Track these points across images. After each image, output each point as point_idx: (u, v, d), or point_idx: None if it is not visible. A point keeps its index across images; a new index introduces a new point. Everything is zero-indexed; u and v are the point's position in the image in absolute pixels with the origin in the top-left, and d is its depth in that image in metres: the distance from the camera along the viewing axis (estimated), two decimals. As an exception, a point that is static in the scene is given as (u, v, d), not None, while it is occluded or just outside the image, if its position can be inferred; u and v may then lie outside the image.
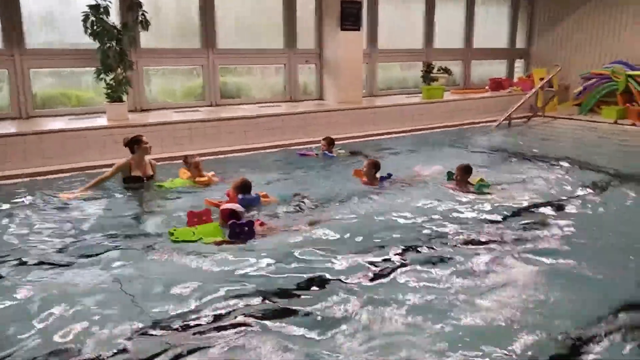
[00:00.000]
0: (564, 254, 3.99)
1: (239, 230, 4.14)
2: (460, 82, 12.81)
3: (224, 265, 3.71)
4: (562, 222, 4.70)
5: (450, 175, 6.01)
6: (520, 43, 13.88)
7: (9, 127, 6.99)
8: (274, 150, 7.95)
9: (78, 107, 8.21)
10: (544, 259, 3.89)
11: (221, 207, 4.49)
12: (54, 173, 6.42)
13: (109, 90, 7.51)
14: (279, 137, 8.38)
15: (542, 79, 11.65)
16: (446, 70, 11.36)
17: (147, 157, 5.97)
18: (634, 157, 7.71)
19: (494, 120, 10.29)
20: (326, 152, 7.41)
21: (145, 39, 8.39)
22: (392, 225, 4.64)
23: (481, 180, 5.79)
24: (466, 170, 5.88)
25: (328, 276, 3.57)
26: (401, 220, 4.74)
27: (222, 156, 7.54)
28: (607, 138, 9.32)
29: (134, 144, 5.79)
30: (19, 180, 6.12)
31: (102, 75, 7.48)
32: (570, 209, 5.18)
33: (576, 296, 3.34)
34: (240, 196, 4.97)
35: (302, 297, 3.30)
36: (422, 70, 11.24)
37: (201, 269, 3.66)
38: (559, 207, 5.20)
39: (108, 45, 7.33)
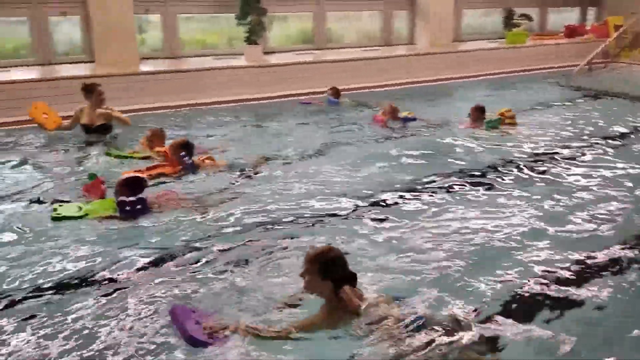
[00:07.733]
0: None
1: (129, 208, 3.91)
2: (536, 28, 13.43)
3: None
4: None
5: (469, 115, 6.57)
6: (593, -10, 14.27)
7: (167, 65, 8.27)
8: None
9: (216, 49, 9.51)
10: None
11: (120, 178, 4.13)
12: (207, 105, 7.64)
13: (248, 34, 8.68)
14: (384, 78, 9.45)
15: (618, 26, 12.21)
16: (527, 17, 12.07)
17: (100, 110, 5.79)
18: None
19: (574, 65, 11.08)
20: (331, 98, 7.79)
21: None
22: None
23: (502, 113, 6.37)
24: (480, 110, 6.42)
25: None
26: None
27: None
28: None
29: (88, 92, 5.79)
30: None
31: (241, 20, 8.63)
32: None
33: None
34: (182, 154, 4.81)
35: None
36: (503, 17, 11.99)
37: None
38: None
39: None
